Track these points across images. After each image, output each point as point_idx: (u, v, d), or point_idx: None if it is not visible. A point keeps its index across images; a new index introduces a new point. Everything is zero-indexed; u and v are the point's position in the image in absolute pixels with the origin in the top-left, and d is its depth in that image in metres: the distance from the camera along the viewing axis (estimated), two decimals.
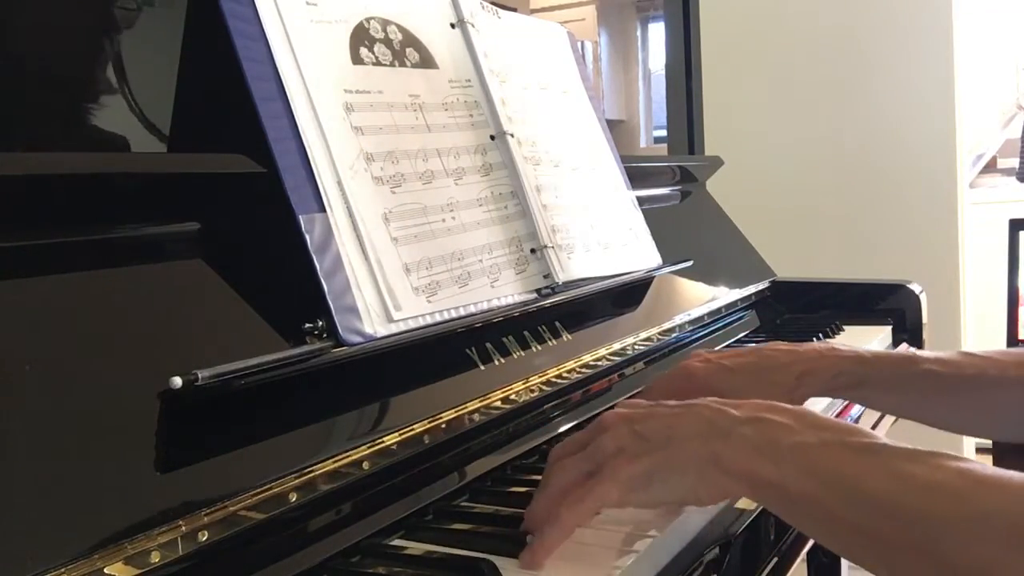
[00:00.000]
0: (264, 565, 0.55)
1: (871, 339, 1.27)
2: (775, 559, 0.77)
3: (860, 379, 0.79)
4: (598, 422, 0.64)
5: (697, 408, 0.60)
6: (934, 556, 0.49)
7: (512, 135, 0.90)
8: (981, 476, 0.50)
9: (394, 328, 0.69)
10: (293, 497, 0.58)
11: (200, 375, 0.54)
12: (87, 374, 0.53)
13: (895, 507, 0.51)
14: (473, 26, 0.91)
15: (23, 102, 0.73)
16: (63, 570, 0.45)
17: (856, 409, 0.98)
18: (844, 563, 1.60)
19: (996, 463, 1.89)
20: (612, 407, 0.92)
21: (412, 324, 0.71)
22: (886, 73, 2.12)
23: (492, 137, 0.89)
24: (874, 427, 1.04)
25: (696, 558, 0.64)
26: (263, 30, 0.69)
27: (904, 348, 1.33)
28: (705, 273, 1.26)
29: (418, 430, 0.68)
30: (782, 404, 0.60)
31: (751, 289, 1.38)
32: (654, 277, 1.10)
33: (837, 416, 0.93)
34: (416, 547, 0.63)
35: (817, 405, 0.88)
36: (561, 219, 0.93)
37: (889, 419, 1.08)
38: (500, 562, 0.57)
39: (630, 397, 0.97)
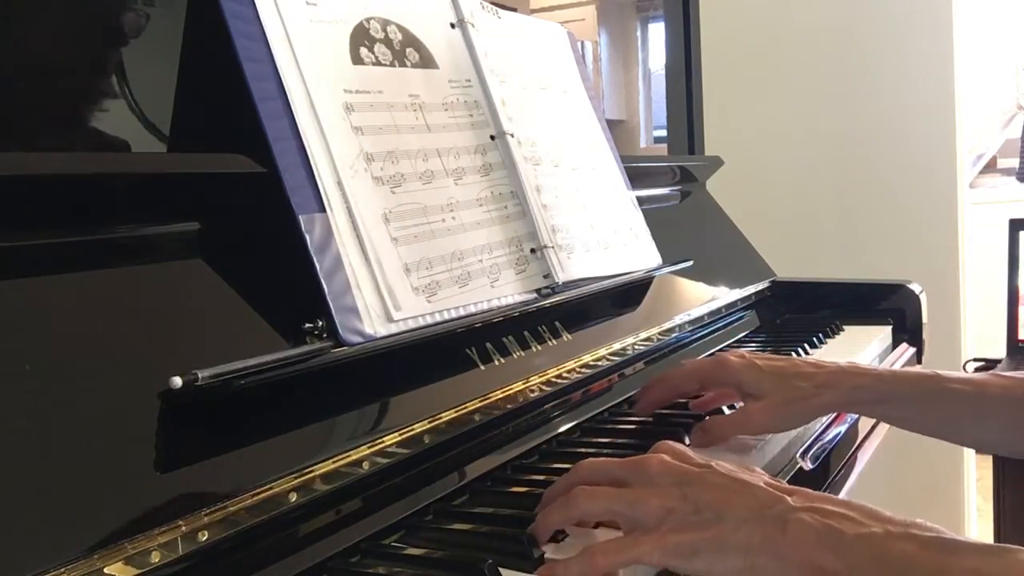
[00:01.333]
0: (264, 565, 0.56)
1: (871, 339, 1.27)
2: None
3: (880, 395, 0.80)
4: (642, 464, 0.61)
5: (752, 488, 0.58)
6: None
7: (512, 135, 0.90)
8: None
9: (394, 328, 0.69)
10: (293, 497, 0.58)
11: (200, 375, 0.54)
12: (87, 374, 0.53)
13: None
14: (473, 26, 0.91)
15: (23, 102, 0.73)
16: (63, 570, 0.45)
17: (851, 416, 0.97)
18: None
19: (996, 473, 1.89)
20: (618, 405, 0.93)
21: (412, 324, 0.71)
22: (886, 73, 2.12)
23: (492, 137, 0.89)
24: (868, 435, 1.04)
25: None
26: (263, 30, 0.69)
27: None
28: (705, 273, 1.26)
29: (418, 430, 0.68)
30: (835, 496, 0.58)
31: (751, 289, 1.38)
32: (654, 277, 1.10)
33: (831, 423, 0.93)
34: (416, 547, 0.63)
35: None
36: (561, 219, 0.93)
37: (878, 435, 1.07)
38: (500, 562, 0.57)
39: (635, 394, 0.98)
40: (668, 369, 0.88)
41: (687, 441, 0.81)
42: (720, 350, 1.21)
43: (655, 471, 0.60)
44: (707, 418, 0.84)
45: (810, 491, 0.59)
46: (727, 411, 0.90)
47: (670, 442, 0.66)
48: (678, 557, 0.57)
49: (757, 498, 0.57)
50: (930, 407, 0.80)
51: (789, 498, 0.57)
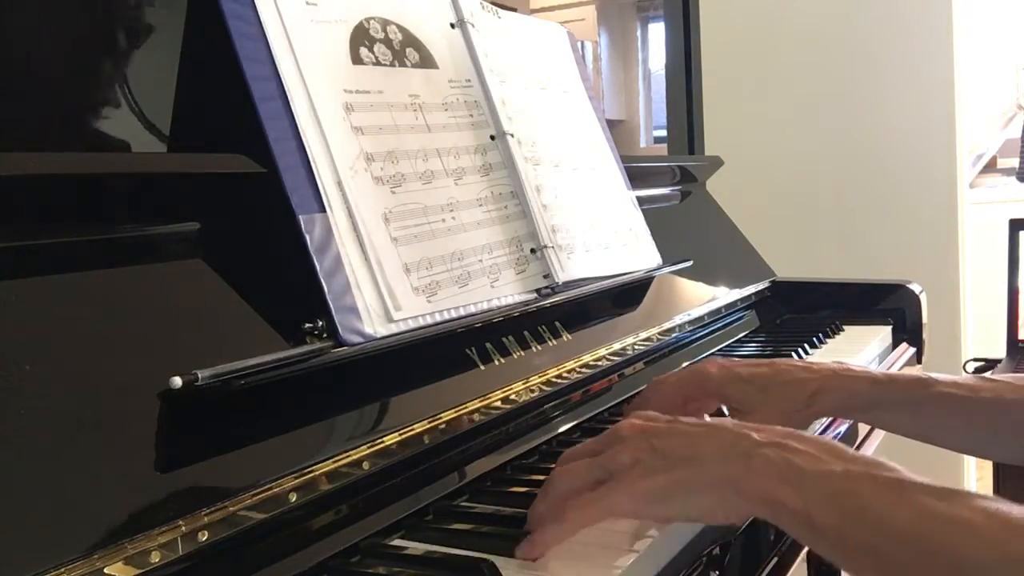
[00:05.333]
0: (264, 565, 0.56)
1: (871, 339, 1.27)
2: (775, 559, 0.77)
3: (874, 401, 0.79)
4: (613, 431, 0.63)
5: (718, 429, 0.59)
6: None
7: (512, 135, 0.90)
8: (1008, 519, 0.49)
9: (394, 328, 0.69)
10: (293, 497, 0.58)
11: (200, 375, 0.54)
12: (87, 374, 0.53)
13: (921, 542, 0.50)
14: (473, 26, 0.91)
15: (23, 102, 0.73)
16: (63, 570, 0.45)
17: (845, 424, 0.96)
18: None
19: (996, 474, 1.89)
20: (617, 406, 0.93)
21: (412, 324, 0.71)
22: (886, 73, 2.12)
23: (492, 137, 0.89)
24: (868, 435, 1.03)
25: (696, 558, 0.64)
26: (263, 30, 0.69)
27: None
28: (705, 273, 1.26)
29: (418, 430, 0.68)
30: (805, 433, 0.59)
31: (751, 289, 1.38)
32: (654, 277, 1.10)
33: (831, 423, 0.93)
34: (416, 547, 0.63)
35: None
36: (561, 219, 0.93)
37: (877, 436, 1.06)
38: (500, 562, 0.57)
39: (636, 394, 0.98)
40: (646, 389, 0.83)
41: None
42: (720, 350, 1.21)
43: (624, 431, 0.62)
44: None
45: (778, 427, 0.59)
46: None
47: (641, 411, 0.67)
48: (650, 503, 0.58)
49: (723, 438, 0.59)
50: (921, 411, 0.78)
51: (756, 434, 0.58)
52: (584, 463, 0.62)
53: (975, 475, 2.19)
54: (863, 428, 1.02)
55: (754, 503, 0.56)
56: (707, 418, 0.75)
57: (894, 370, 1.25)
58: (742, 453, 0.57)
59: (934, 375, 0.80)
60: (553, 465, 0.77)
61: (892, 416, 0.80)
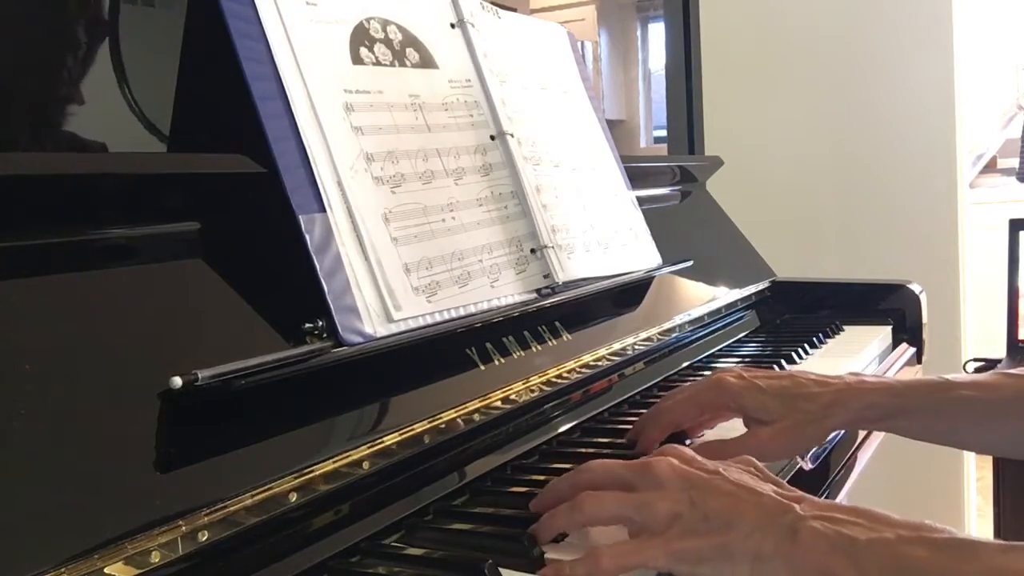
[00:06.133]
0: (264, 565, 0.56)
1: (871, 339, 1.27)
2: None
3: (890, 411, 0.78)
4: (651, 467, 0.61)
5: (760, 495, 0.58)
6: None
7: (512, 135, 0.90)
8: None
9: (394, 328, 0.69)
10: (293, 497, 0.58)
11: (200, 375, 0.54)
12: (87, 374, 0.53)
13: None
14: (473, 26, 0.91)
15: (23, 102, 0.73)
16: (63, 570, 0.45)
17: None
18: None
19: (996, 473, 1.89)
20: (618, 406, 0.93)
21: (412, 324, 0.71)
22: (886, 73, 2.12)
23: (492, 137, 0.89)
24: (869, 435, 1.03)
25: None
26: (263, 30, 0.69)
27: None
28: (705, 273, 1.26)
29: (418, 430, 0.68)
30: (843, 504, 0.58)
31: (751, 289, 1.38)
32: (654, 277, 1.10)
33: None
34: (416, 547, 0.63)
35: None
36: (561, 219, 0.93)
37: (876, 436, 1.06)
38: (500, 562, 0.57)
39: (639, 391, 0.98)
40: (664, 400, 0.82)
41: None
42: (720, 350, 1.21)
43: (663, 475, 0.60)
44: (714, 442, 0.81)
45: (817, 499, 0.58)
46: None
47: (677, 446, 0.66)
48: (684, 563, 0.57)
49: (766, 506, 0.57)
50: (941, 416, 0.77)
51: (797, 506, 0.57)
52: (618, 498, 0.60)
53: (975, 475, 2.19)
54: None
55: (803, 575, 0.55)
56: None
57: (894, 370, 1.25)
58: (788, 526, 0.55)
59: (950, 377, 0.79)
60: (553, 465, 0.78)
61: (911, 423, 0.79)
